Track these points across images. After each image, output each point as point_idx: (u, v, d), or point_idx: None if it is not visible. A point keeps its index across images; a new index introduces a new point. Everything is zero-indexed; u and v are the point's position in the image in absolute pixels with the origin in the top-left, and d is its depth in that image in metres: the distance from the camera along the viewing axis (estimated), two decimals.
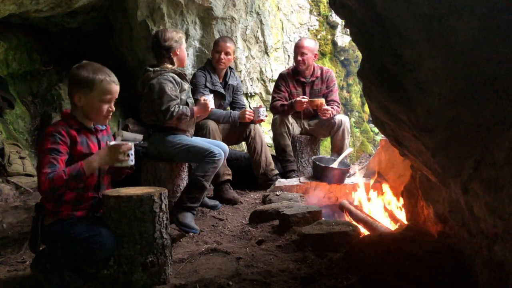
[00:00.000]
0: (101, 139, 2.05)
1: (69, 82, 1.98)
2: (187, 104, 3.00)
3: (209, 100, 3.06)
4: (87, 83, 1.92)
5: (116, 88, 2.00)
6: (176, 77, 2.94)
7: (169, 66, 2.97)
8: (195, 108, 3.00)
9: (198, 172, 2.84)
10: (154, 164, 2.99)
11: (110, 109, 2.00)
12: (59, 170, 1.82)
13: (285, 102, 4.01)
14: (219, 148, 2.96)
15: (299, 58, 3.97)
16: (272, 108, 4.11)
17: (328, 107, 3.90)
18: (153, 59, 3.09)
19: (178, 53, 3.03)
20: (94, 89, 1.93)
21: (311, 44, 4.02)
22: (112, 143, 1.96)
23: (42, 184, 1.80)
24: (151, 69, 2.95)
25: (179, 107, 2.88)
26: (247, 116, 3.60)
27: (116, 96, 2.03)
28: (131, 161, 1.98)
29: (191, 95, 3.11)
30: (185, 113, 2.90)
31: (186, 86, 3.03)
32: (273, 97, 4.15)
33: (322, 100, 3.87)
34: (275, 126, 3.99)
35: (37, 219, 1.92)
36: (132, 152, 1.98)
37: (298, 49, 3.98)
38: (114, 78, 2.00)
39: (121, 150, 1.93)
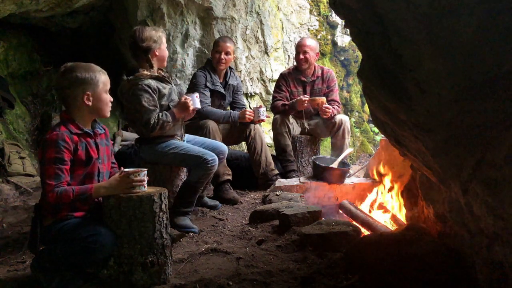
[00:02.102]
0: (99, 143, 2.04)
1: (68, 87, 1.95)
2: (169, 108, 2.83)
3: (191, 99, 2.85)
4: (91, 79, 1.96)
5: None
6: (152, 83, 2.71)
7: (145, 72, 2.72)
8: (175, 110, 2.79)
9: (191, 177, 2.80)
10: (153, 165, 2.98)
11: (110, 98, 2.05)
12: (68, 188, 1.83)
13: (286, 102, 4.01)
14: (217, 150, 2.93)
15: (301, 56, 3.95)
16: (273, 108, 4.10)
17: (329, 106, 3.90)
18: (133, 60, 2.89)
19: (157, 53, 2.77)
20: (98, 83, 1.98)
21: (313, 43, 4.02)
22: (124, 170, 1.90)
23: (47, 196, 1.82)
24: (125, 78, 2.77)
25: (159, 116, 2.71)
26: (247, 116, 3.59)
27: None
28: (143, 187, 1.92)
29: (175, 97, 2.91)
30: (166, 121, 2.73)
31: (166, 89, 2.81)
32: (273, 97, 4.14)
33: (323, 99, 3.86)
34: (275, 126, 3.99)
35: (36, 220, 1.92)
36: (146, 179, 1.92)
37: (300, 47, 3.98)
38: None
39: (133, 180, 1.88)
